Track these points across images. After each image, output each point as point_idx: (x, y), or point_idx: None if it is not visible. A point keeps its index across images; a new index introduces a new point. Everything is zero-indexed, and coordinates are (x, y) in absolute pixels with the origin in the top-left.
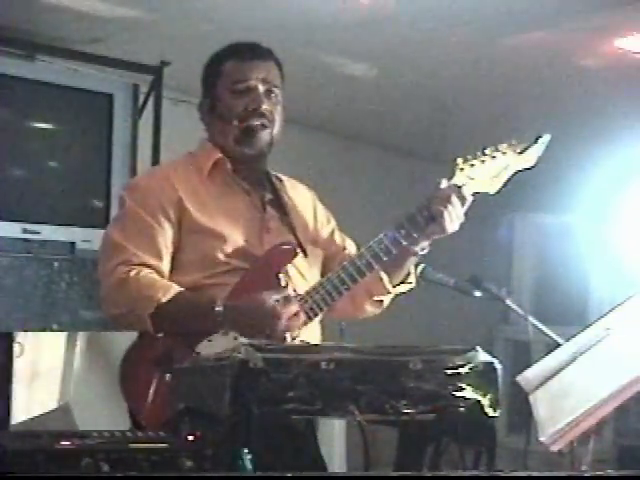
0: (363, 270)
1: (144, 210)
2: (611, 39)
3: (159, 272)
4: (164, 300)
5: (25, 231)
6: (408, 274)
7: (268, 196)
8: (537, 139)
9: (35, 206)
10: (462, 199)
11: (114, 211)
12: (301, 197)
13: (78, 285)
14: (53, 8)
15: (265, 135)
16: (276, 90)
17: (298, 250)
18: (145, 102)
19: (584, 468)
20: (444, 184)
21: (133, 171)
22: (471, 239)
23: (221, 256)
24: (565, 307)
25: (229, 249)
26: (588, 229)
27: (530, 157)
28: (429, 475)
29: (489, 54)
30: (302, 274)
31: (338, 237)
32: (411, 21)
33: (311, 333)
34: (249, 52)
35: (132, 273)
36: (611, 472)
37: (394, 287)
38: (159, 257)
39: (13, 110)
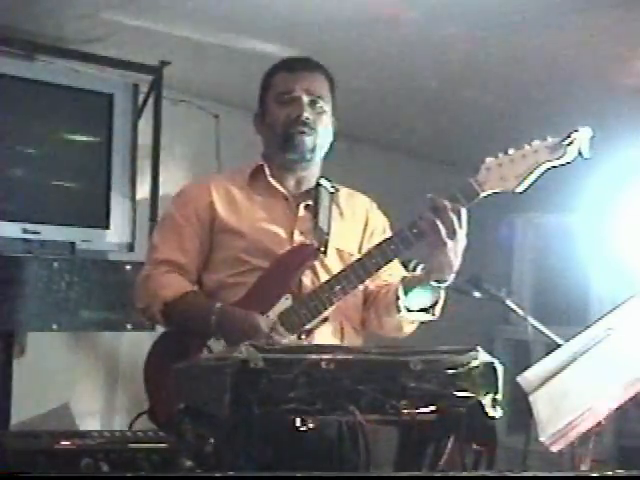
0: (370, 269)
1: (179, 213)
2: (610, 38)
3: (182, 267)
4: (169, 299)
5: (25, 231)
6: (434, 304)
7: (307, 202)
8: (570, 134)
9: (35, 206)
10: (457, 212)
11: (114, 211)
12: (354, 207)
13: (78, 285)
14: (53, 8)
15: (306, 141)
16: (321, 101)
17: (319, 252)
18: (145, 102)
19: (584, 468)
20: (440, 196)
21: (133, 171)
22: (471, 239)
23: (243, 255)
24: (565, 307)
25: (252, 249)
26: (588, 229)
27: (564, 152)
28: (429, 475)
29: (490, 54)
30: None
31: None
32: (412, 21)
33: (326, 337)
34: (297, 64)
35: (155, 271)
36: (611, 472)
37: (412, 312)
38: (183, 253)
39: (13, 110)
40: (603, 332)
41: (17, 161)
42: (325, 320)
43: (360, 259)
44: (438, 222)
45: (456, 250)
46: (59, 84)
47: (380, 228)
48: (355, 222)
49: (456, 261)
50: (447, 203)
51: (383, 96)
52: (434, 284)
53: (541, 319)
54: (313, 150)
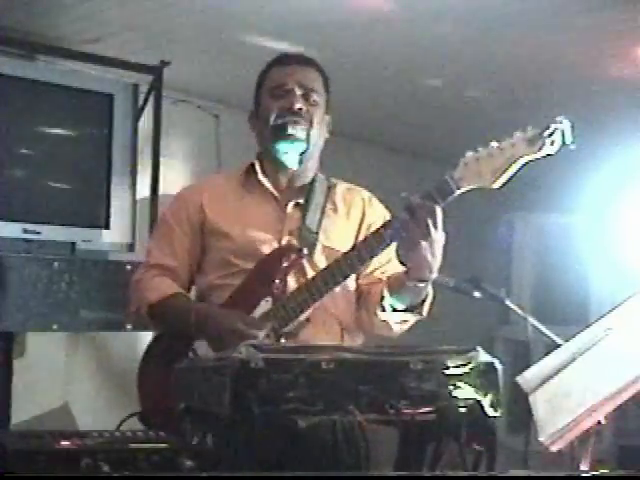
0: (355, 264)
1: (172, 217)
2: (610, 38)
3: (172, 271)
4: (154, 302)
5: (25, 231)
6: (422, 303)
7: (297, 200)
8: (549, 125)
9: (35, 206)
10: (431, 211)
11: (114, 211)
12: (350, 202)
13: (78, 285)
14: (53, 8)
15: (297, 131)
16: (314, 94)
17: (302, 253)
18: (145, 102)
19: (584, 468)
20: (413, 196)
21: (133, 171)
22: (471, 239)
23: (232, 258)
24: (565, 307)
25: (240, 251)
26: (588, 229)
27: (542, 144)
28: (429, 475)
29: (490, 54)
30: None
31: None
32: (411, 21)
33: (328, 335)
34: (289, 59)
35: (146, 274)
36: (611, 472)
37: (398, 312)
38: (174, 257)
39: (13, 110)
40: (602, 331)
41: (17, 161)
42: (307, 321)
43: (337, 260)
44: (411, 222)
45: (432, 250)
46: (59, 84)
47: (379, 222)
48: (350, 218)
49: (434, 261)
50: (420, 202)
51: (381, 96)
52: (415, 284)
53: (541, 319)
54: (306, 141)
